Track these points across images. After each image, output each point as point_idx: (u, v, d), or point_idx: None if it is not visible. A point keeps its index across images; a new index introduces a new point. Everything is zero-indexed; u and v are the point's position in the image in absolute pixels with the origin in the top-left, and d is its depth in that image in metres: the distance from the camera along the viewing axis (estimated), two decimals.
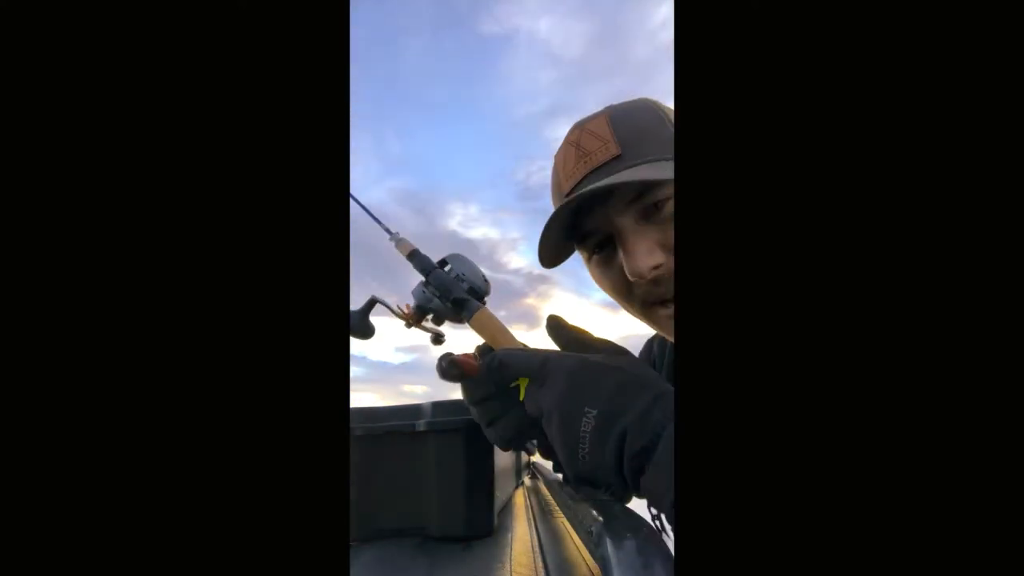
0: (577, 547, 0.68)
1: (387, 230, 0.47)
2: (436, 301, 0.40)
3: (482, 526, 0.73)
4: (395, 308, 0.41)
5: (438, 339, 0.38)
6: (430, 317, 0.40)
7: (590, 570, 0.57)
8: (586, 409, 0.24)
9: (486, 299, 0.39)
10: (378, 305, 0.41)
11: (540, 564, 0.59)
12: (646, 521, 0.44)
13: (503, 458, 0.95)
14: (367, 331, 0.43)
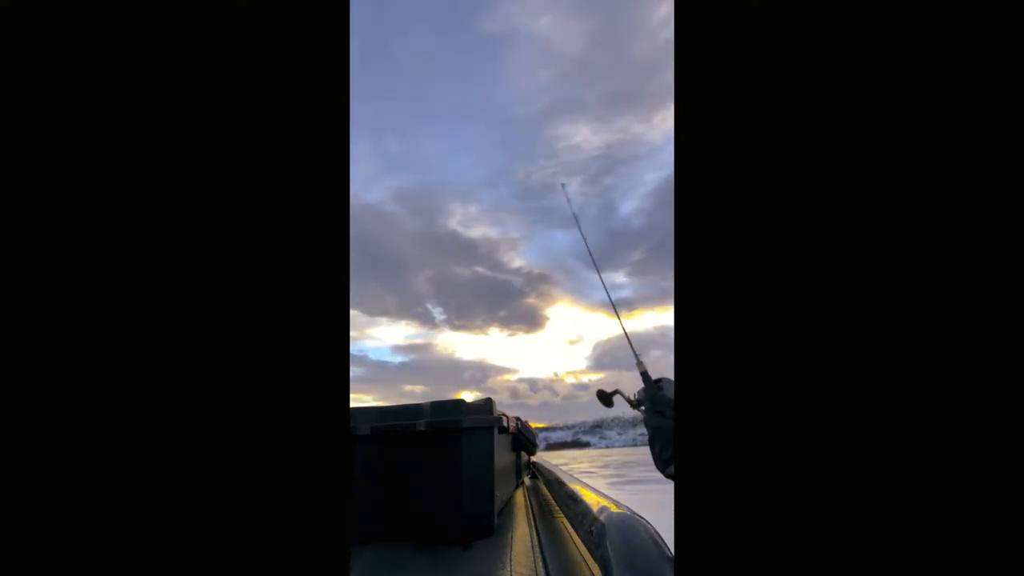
0: (577, 547, 0.68)
1: (635, 353, 0.72)
2: (647, 403, 0.68)
3: (482, 526, 0.73)
4: (627, 397, 0.70)
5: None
6: (642, 408, 0.68)
7: (590, 570, 0.57)
8: (658, 443, 0.57)
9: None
10: (617, 396, 0.74)
11: (540, 564, 0.59)
12: (646, 521, 0.44)
13: (503, 458, 0.95)
14: (610, 404, 0.75)
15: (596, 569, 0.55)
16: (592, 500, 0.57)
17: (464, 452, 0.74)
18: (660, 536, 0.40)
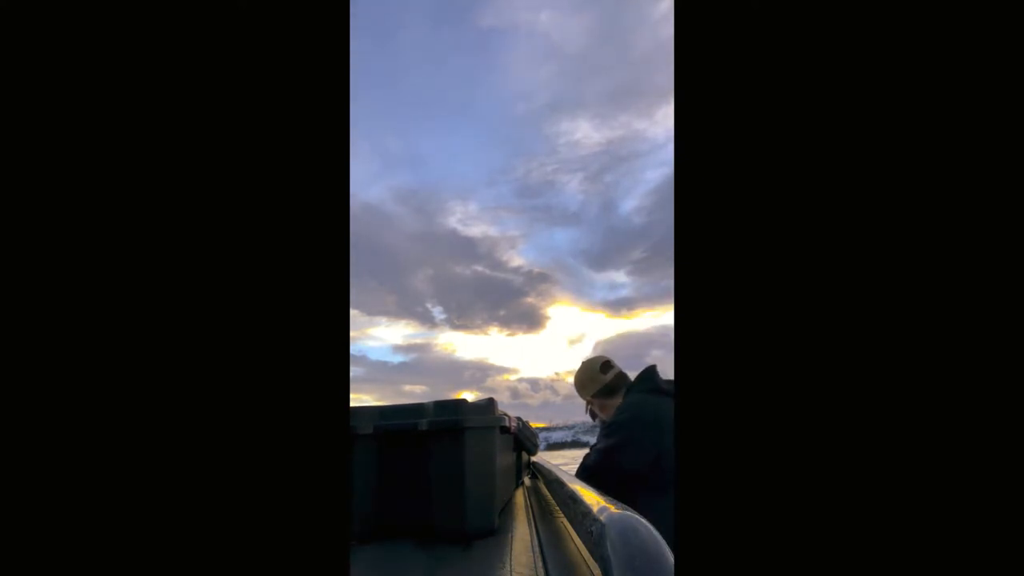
0: (577, 547, 0.68)
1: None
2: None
3: (483, 526, 0.73)
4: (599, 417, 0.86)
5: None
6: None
7: (590, 570, 0.57)
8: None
9: None
10: None
11: (540, 564, 0.59)
12: (646, 522, 0.44)
13: (504, 458, 0.95)
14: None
15: (596, 569, 0.55)
16: (592, 500, 0.57)
17: (466, 452, 0.74)
18: (660, 536, 0.40)
